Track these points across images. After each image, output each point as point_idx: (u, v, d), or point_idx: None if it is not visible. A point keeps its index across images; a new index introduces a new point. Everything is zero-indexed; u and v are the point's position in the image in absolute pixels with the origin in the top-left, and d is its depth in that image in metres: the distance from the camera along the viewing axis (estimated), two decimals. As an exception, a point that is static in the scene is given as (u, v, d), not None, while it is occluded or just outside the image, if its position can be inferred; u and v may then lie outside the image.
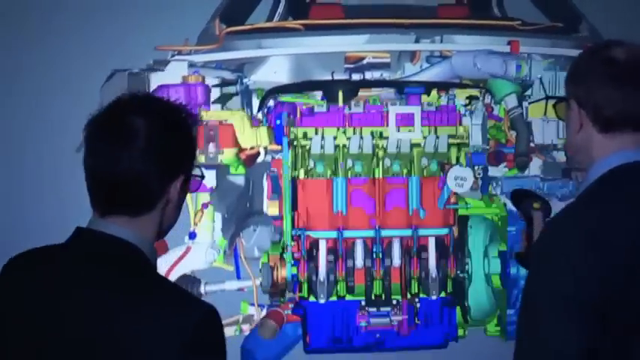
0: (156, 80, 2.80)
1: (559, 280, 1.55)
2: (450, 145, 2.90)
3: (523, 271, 2.73)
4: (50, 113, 5.37)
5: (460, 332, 3.03)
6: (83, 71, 2.84)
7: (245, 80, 3.02)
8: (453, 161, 2.89)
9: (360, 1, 4.47)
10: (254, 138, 2.90)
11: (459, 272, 2.92)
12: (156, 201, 1.50)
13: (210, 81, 2.86)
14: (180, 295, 1.50)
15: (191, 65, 2.89)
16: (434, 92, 3.01)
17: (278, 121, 2.88)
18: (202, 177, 1.65)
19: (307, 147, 2.89)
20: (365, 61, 3.14)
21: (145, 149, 1.44)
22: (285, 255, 2.87)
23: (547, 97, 2.75)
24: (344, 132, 2.89)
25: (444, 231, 2.90)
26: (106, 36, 5.46)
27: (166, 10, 5.34)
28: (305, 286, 2.87)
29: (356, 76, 3.08)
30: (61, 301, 1.42)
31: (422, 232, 2.88)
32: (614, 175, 1.65)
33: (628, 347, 1.56)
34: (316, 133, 2.88)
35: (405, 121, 2.87)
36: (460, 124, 2.92)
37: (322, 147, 2.87)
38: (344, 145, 2.89)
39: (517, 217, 2.17)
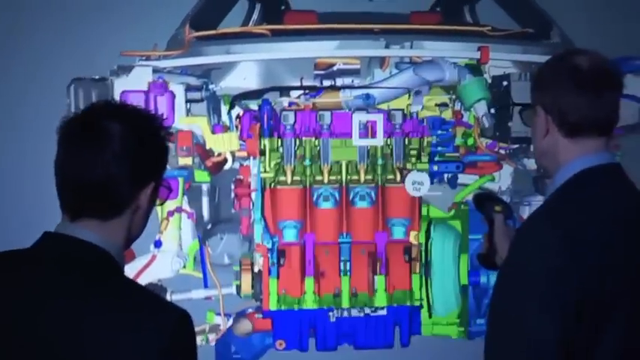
0: (120, 86, 2.76)
1: (534, 285, 1.57)
2: (414, 154, 2.93)
3: (493, 280, 2.74)
4: (30, 113, 5.35)
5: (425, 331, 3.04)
6: (66, 73, 2.84)
7: (211, 86, 2.99)
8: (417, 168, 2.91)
9: (335, 9, 4.43)
10: (221, 145, 2.87)
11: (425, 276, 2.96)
12: (126, 206, 1.49)
13: (175, 87, 2.82)
14: (152, 300, 1.49)
15: (155, 71, 2.85)
16: (400, 100, 3.01)
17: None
18: (170, 189, 1.68)
19: (277, 155, 2.88)
20: (335, 68, 3.12)
21: (119, 154, 1.44)
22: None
23: (514, 104, 2.75)
24: (313, 139, 2.89)
25: (411, 236, 2.92)
26: (93, 37, 5.44)
27: (163, 8, 5.28)
28: (274, 295, 2.86)
29: (326, 82, 3.06)
30: (33, 308, 1.39)
31: (389, 238, 2.90)
32: (579, 179, 1.70)
33: (597, 346, 1.59)
34: (282, 144, 2.87)
35: (370, 129, 2.87)
36: (424, 133, 2.93)
37: (291, 155, 2.86)
38: (312, 153, 2.89)
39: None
